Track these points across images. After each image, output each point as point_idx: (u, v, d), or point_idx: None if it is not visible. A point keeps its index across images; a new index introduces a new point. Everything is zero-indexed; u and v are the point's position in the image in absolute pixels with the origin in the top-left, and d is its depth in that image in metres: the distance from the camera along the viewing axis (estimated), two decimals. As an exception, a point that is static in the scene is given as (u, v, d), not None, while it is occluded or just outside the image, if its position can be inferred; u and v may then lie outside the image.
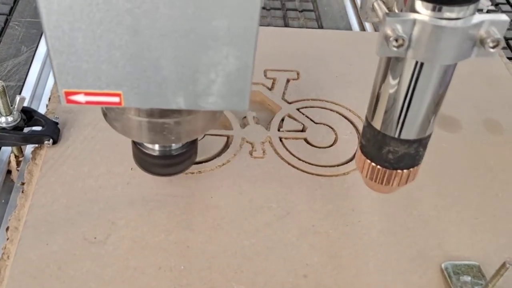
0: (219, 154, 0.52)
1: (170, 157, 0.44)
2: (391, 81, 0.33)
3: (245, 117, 0.57)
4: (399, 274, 0.44)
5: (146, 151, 0.44)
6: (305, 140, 0.55)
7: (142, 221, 0.45)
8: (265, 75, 0.61)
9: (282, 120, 0.56)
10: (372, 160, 0.37)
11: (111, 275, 0.41)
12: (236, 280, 0.42)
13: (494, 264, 0.43)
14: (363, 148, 0.37)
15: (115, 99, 0.33)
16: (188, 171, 0.50)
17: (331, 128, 0.56)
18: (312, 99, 0.59)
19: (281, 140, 0.54)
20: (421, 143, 0.35)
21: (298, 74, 0.62)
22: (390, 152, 0.35)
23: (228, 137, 0.54)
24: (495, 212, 0.50)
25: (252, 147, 0.53)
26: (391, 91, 0.33)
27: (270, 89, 0.60)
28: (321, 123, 0.56)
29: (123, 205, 0.46)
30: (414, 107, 0.33)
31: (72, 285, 0.40)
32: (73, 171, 0.48)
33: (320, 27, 0.73)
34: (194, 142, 0.45)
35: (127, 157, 0.50)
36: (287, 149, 0.53)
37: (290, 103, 0.58)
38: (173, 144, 0.43)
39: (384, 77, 0.33)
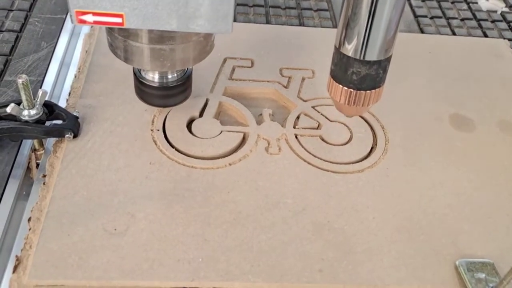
0: (235, 150, 0.53)
1: (167, 88, 0.50)
2: (353, 6, 0.39)
3: (261, 114, 0.57)
4: (413, 271, 0.45)
5: (146, 83, 0.50)
6: (320, 137, 0.55)
7: (161, 214, 0.46)
8: (281, 74, 0.62)
9: (298, 117, 0.57)
10: (339, 83, 0.42)
11: (130, 266, 0.42)
12: (252, 273, 0.43)
13: (507, 262, 0.44)
14: (332, 73, 0.43)
15: (118, 20, 0.39)
16: (205, 167, 0.50)
17: (346, 126, 0.57)
18: (327, 98, 0.60)
19: (296, 137, 0.55)
20: (380, 65, 0.41)
21: (313, 72, 0.63)
22: (354, 73, 0.41)
23: (244, 133, 0.55)
24: (509, 212, 0.50)
25: (268, 144, 0.54)
26: (353, 16, 0.39)
27: (285, 87, 0.60)
28: (336, 121, 0.57)
29: (142, 198, 0.47)
30: (373, 30, 0.39)
31: (93, 274, 0.41)
32: (93, 164, 0.49)
33: (335, 26, 0.73)
34: (188, 78, 0.51)
35: (146, 152, 0.51)
36: (302, 146, 0.54)
37: (305, 101, 0.59)
38: (170, 77, 0.50)
39: (348, 4, 0.39)
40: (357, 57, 0.40)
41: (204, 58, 0.48)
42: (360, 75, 0.41)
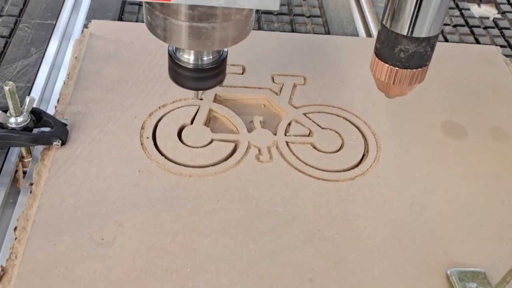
0: (226, 158, 0.52)
1: (202, 70, 0.49)
2: None
3: (252, 121, 0.57)
4: (404, 280, 0.44)
5: (181, 64, 0.49)
6: (312, 145, 0.55)
7: (149, 223, 0.46)
8: (273, 80, 0.62)
9: (289, 124, 0.57)
10: (385, 61, 0.41)
11: (117, 276, 0.42)
12: (242, 284, 0.42)
13: (499, 271, 0.43)
14: (377, 52, 0.42)
15: None
16: (194, 174, 0.50)
17: (338, 133, 0.56)
18: (318, 105, 0.59)
19: (287, 145, 0.54)
20: (429, 42, 0.40)
21: (305, 79, 0.63)
22: (402, 51, 0.40)
23: (235, 142, 0.54)
24: (501, 220, 0.50)
25: (259, 152, 0.53)
26: None
27: (277, 94, 0.60)
28: (327, 128, 0.57)
29: (130, 207, 0.47)
30: (423, 5, 0.38)
31: (79, 285, 0.41)
32: (81, 172, 0.49)
33: (327, 32, 0.73)
34: (223, 61, 0.50)
35: (135, 160, 0.51)
36: (293, 154, 0.53)
37: (296, 108, 0.59)
38: (205, 59, 0.49)
39: None
40: (406, 34, 0.40)
41: (243, 38, 0.47)
42: (408, 53, 0.40)
